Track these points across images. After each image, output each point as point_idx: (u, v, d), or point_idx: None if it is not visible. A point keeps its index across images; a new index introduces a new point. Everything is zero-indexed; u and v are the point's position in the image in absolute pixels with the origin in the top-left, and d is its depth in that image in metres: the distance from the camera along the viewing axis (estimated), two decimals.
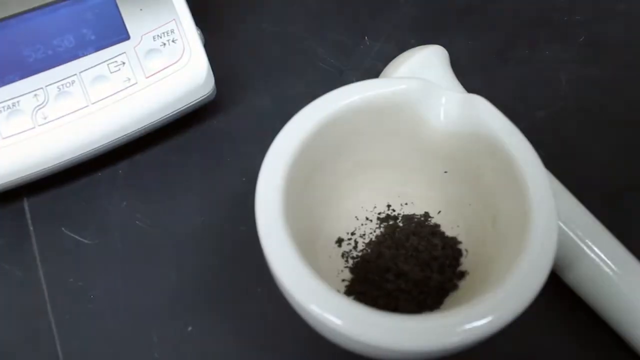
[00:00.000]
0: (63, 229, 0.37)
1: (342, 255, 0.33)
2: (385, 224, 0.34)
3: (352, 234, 0.34)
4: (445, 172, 0.33)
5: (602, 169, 0.38)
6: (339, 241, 0.33)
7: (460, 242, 0.32)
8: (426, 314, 0.25)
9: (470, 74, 0.42)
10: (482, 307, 0.24)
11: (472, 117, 0.30)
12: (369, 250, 0.33)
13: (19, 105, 0.34)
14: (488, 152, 0.30)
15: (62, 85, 0.35)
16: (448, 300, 0.30)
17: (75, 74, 0.35)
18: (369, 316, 0.24)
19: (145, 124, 0.37)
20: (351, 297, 0.31)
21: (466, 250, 0.32)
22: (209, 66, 0.37)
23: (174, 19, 0.37)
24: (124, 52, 0.36)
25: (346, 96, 0.30)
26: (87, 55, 0.36)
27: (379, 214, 0.34)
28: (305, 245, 0.29)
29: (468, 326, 0.24)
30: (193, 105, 0.38)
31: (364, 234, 0.34)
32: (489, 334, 0.24)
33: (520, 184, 0.28)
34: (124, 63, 0.36)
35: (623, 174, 0.38)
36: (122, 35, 0.36)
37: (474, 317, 0.24)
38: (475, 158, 0.31)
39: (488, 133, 0.29)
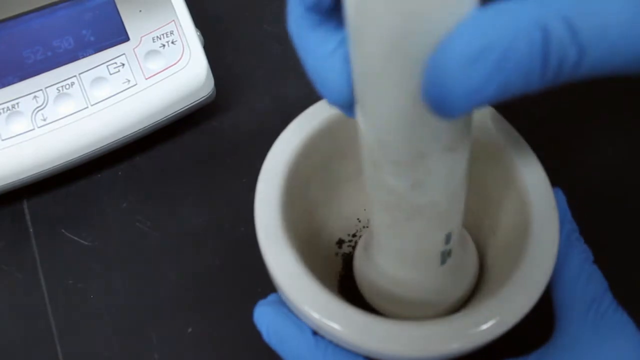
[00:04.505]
0: (63, 230, 0.37)
1: (343, 257, 0.33)
2: None
3: (353, 235, 0.34)
4: None
5: (603, 169, 0.38)
6: (340, 243, 0.33)
7: None
8: (425, 320, 0.25)
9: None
10: (481, 313, 0.24)
11: (478, 125, 0.30)
12: None
13: (18, 107, 0.34)
14: (492, 160, 0.29)
15: (62, 86, 0.35)
16: None
17: (75, 76, 0.35)
18: (368, 322, 0.24)
19: (145, 125, 0.37)
20: (351, 300, 0.31)
21: None
22: (209, 67, 0.37)
23: (173, 20, 0.37)
24: (124, 54, 0.36)
25: None
26: (86, 56, 0.36)
27: None
28: (306, 245, 0.29)
29: (467, 332, 0.24)
30: (193, 106, 0.38)
31: None
32: (488, 340, 0.24)
33: (523, 194, 0.27)
34: (123, 64, 0.36)
35: (624, 175, 0.38)
36: (121, 36, 0.36)
37: (472, 324, 0.24)
38: (478, 165, 0.30)
39: (492, 141, 0.29)
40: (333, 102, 0.22)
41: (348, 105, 0.21)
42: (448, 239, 0.25)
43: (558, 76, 0.16)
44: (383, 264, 0.28)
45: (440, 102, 0.16)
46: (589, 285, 0.26)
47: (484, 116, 0.30)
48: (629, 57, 0.15)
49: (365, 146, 0.22)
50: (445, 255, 0.26)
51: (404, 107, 0.19)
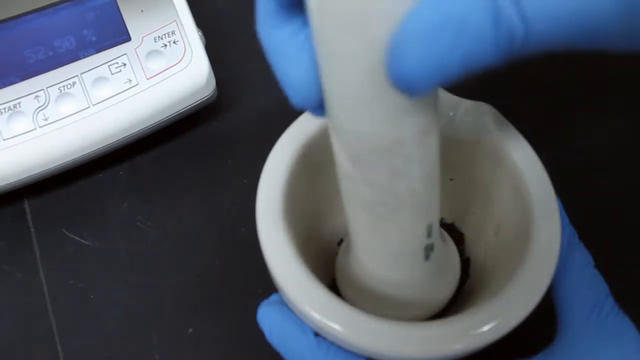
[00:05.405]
0: (64, 230, 0.37)
1: None
2: None
3: None
4: (451, 179, 0.33)
5: (604, 170, 0.38)
6: (341, 243, 0.33)
7: (463, 249, 0.32)
8: (427, 321, 0.25)
9: (470, 76, 0.42)
10: (483, 315, 0.24)
11: (479, 125, 0.30)
12: None
13: (20, 106, 0.34)
14: (494, 161, 0.29)
15: (63, 86, 0.35)
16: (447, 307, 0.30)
17: (76, 76, 0.35)
18: (369, 322, 0.24)
19: (146, 125, 0.37)
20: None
21: (468, 258, 0.32)
22: (210, 67, 0.37)
23: (174, 20, 0.37)
24: (125, 54, 0.36)
25: None
26: (88, 56, 0.36)
27: None
28: (307, 245, 0.29)
29: (469, 334, 0.24)
30: (194, 106, 0.38)
31: None
32: (489, 342, 0.24)
33: (525, 195, 0.27)
34: (125, 64, 0.36)
35: (626, 176, 0.38)
36: (123, 36, 0.36)
37: (474, 325, 0.24)
38: (481, 167, 0.30)
39: (495, 142, 0.29)
40: (301, 101, 0.22)
41: (316, 105, 0.22)
42: (429, 231, 0.25)
43: (511, 48, 0.16)
44: (367, 265, 0.27)
45: (402, 77, 0.17)
46: (590, 290, 0.26)
47: (485, 116, 0.30)
48: (574, 31, 0.16)
49: (340, 143, 0.22)
50: (428, 250, 0.26)
51: (379, 94, 0.19)
